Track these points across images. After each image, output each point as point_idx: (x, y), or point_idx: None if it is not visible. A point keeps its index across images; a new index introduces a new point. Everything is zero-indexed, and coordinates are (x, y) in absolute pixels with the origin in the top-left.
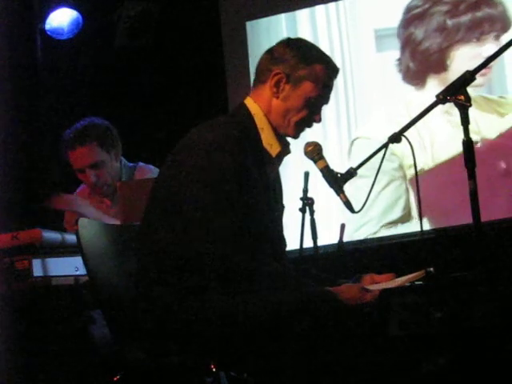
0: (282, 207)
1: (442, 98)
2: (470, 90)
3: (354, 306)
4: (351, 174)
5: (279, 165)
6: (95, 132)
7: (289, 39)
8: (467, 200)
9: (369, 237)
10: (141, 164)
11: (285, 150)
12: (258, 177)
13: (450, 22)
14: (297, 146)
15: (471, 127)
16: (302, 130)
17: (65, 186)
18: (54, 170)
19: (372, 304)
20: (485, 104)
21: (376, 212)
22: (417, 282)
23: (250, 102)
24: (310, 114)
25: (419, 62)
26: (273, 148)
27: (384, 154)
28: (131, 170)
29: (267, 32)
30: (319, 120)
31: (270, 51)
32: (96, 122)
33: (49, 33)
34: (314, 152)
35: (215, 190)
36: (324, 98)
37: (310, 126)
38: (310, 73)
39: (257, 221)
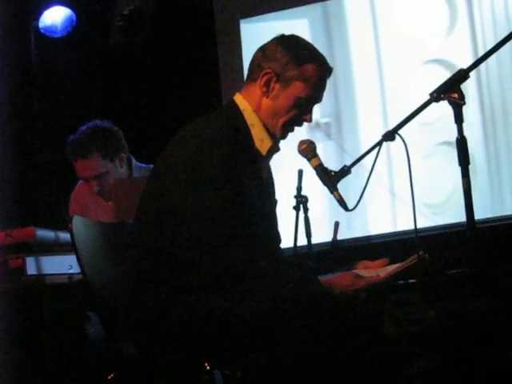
0: (275, 202)
1: (435, 97)
2: None
3: (349, 295)
4: (345, 172)
5: (269, 161)
6: (98, 142)
7: (282, 36)
8: None
9: None
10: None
11: (275, 145)
12: (250, 174)
13: None
14: (290, 144)
15: None
16: (290, 130)
17: (65, 183)
18: (50, 169)
19: (367, 291)
20: None
21: None
22: (412, 282)
23: (239, 99)
24: (300, 113)
25: None
26: (264, 143)
27: (378, 152)
28: (142, 171)
29: (261, 30)
30: (310, 120)
31: (262, 48)
32: (99, 127)
33: (42, 31)
34: (308, 150)
35: (207, 188)
36: (315, 98)
37: (300, 125)
38: (300, 73)
39: (251, 218)
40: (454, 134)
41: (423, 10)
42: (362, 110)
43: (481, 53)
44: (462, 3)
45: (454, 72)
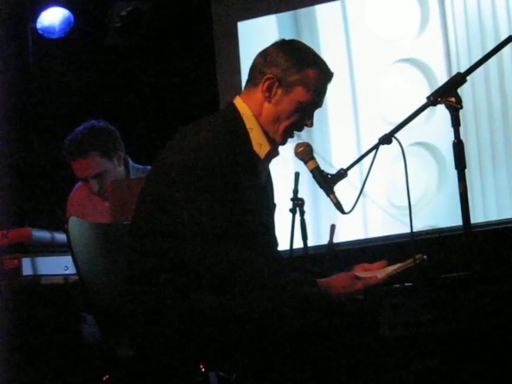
0: (274, 206)
1: (432, 100)
2: None
3: (346, 296)
4: (341, 175)
5: (267, 165)
6: (96, 141)
7: (283, 41)
8: None
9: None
10: (149, 167)
11: (274, 150)
12: (247, 176)
13: None
14: (287, 146)
15: None
16: (290, 135)
17: (61, 184)
18: (47, 170)
19: (365, 292)
20: None
21: None
22: (407, 286)
23: (239, 102)
24: (301, 118)
25: None
26: (262, 147)
27: (375, 156)
28: (139, 172)
29: (259, 32)
30: (311, 124)
31: (263, 53)
32: (96, 127)
33: (40, 32)
34: (305, 153)
35: (203, 190)
36: (316, 103)
37: (300, 129)
38: (301, 78)
39: (247, 220)
40: (426, 135)
41: (395, 10)
42: (333, 110)
43: (453, 52)
44: (433, 2)
45: (425, 71)
